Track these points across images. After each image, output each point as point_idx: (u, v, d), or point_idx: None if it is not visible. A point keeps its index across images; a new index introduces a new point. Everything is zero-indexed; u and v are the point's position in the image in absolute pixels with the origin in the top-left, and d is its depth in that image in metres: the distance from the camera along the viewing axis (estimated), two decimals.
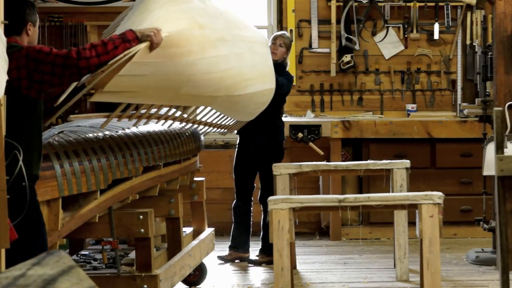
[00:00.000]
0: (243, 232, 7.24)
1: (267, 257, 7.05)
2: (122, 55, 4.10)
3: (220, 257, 7.17)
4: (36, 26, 4.33)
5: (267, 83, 5.16)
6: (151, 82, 4.42)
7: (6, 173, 3.87)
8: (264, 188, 7.13)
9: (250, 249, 7.28)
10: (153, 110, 4.83)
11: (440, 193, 5.03)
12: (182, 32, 4.37)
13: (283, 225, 4.92)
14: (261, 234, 7.24)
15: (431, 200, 4.96)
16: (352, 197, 4.99)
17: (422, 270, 4.99)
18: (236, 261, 7.18)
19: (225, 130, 5.84)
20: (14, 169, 4.00)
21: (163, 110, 4.95)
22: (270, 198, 4.94)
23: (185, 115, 5.04)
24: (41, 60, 4.04)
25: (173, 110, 4.90)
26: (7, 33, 4.21)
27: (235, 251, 7.20)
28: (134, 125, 4.99)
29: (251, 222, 7.34)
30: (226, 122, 5.55)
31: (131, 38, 4.14)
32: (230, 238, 7.27)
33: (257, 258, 7.16)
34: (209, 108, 5.14)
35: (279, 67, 6.82)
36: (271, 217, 4.90)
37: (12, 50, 4.08)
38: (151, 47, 4.20)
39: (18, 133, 4.04)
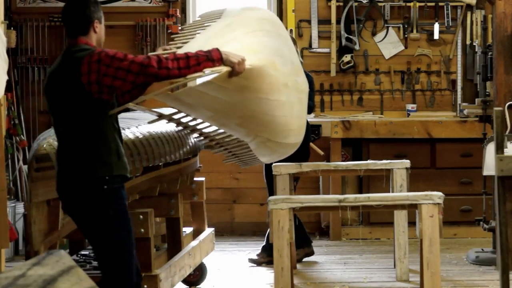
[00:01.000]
0: None
1: (308, 248, 7.15)
2: (202, 73, 4.06)
3: (251, 260, 7.17)
4: (102, 22, 4.28)
5: (299, 137, 5.14)
6: (212, 102, 4.41)
7: (81, 178, 3.94)
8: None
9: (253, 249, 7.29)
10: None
11: (440, 193, 5.03)
12: (261, 69, 4.36)
13: (283, 225, 4.92)
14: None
15: (431, 200, 4.96)
16: (352, 197, 4.99)
17: (422, 270, 4.99)
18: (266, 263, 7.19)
19: (239, 161, 5.78)
20: (90, 174, 4.04)
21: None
22: (270, 198, 4.94)
23: (216, 136, 5.02)
24: (115, 66, 3.99)
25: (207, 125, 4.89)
26: (73, 34, 4.20)
27: (268, 254, 7.21)
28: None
29: None
30: (245, 156, 5.49)
31: (216, 59, 4.07)
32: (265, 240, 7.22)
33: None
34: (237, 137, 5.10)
35: None
36: (271, 217, 4.90)
37: (83, 55, 4.05)
38: (231, 74, 4.15)
39: (93, 136, 4.05)
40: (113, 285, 4.15)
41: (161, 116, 4.47)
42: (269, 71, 4.42)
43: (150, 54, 4.13)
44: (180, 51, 4.15)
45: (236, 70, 4.13)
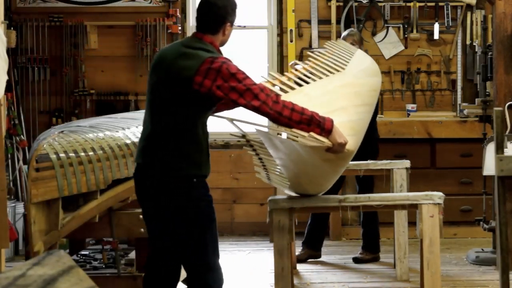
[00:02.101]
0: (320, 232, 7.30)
1: (371, 254, 7.19)
2: (307, 136, 4.07)
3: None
4: (232, 27, 4.27)
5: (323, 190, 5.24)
6: (293, 154, 4.43)
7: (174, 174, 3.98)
8: (362, 186, 7.12)
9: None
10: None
11: (440, 193, 5.02)
12: (352, 153, 4.43)
13: (283, 225, 4.92)
14: (362, 231, 7.30)
15: (431, 200, 4.95)
16: (352, 197, 4.98)
17: (422, 270, 4.98)
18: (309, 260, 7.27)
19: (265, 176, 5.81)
20: (180, 171, 4.05)
21: None
22: (270, 198, 4.94)
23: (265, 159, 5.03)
24: (231, 85, 3.97)
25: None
26: (202, 29, 4.17)
27: (308, 249, 7.25)
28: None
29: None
30: (272, 175, 5.50)
31: (326, 129, 4.07)
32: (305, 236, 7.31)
33: (361, 255, 7.24)
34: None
35: None
36: (272, 217, 4.90)
37: (205, 55, 4.01)
38: (328, 149, 4.16)
39: (186, 133, 4.05)
40: (204, 273, 4.16)
41: (244, 137, 4.51)
42: (354, 153, 4.51)
43: (268, 87, 4.09)
44: (299, 102, 4.11)
45: (334, 150, 4.16)
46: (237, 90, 3.95)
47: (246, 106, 3.99)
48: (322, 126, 4.06)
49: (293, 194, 5.00)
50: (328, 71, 4.86)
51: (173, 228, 4.12)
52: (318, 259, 7.28)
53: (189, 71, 3.99)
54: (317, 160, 4.42)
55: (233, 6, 4.24)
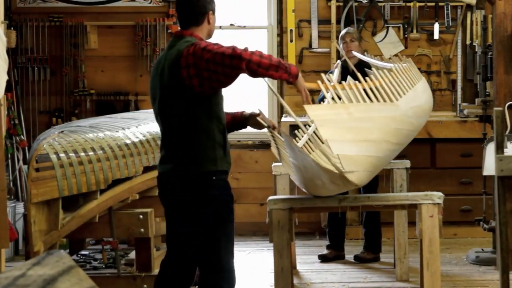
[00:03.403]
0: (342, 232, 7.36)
1: (372, 254, 7.21)
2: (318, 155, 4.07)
3: (321, 256, 7.27)
4: (215, 13, 4.27)
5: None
6: (302, 159, 4.43)
7: (188, 171, 3.98)
8: (366, 186, 7.17)
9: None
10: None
11: (440, 193, 5.02)
12: (357, 184, 4.41)
13: (283, 225, 4.91)
14: (363, 231, 7.34)
15: (431, 200, 4.95)
16: (352, 197, 4.98)
17: (422, 270, 4.98)
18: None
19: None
20: (195, 168, 4.05)
21: None
22: (270, 198, 4.94)
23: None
24: (207, 59, 3.97)
25: None
26: (185, 25, 4.19)
27: (334, 250, 7.30)
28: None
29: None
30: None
31: (291, 74, 4.06)
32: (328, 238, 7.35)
33: (362, 254, 7.27)
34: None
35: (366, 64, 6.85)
36: (271, 217, 4.89)
37: (182, 47, 4.03)
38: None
39: (199, 131, 4.05)
40: (216, 273, 4.16)
41: (269, 127, 4.49)
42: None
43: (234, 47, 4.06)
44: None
45: (299, 90, 4.18)
46: (209, 51, 3.96)
47: (219, 55, 3.95)
48: (288, 71, 4.05)
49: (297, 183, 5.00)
50: (382, 96, 4.86)
51: (191, 227, 4.15)
52: (312, 256, 7.30)
53: (175, 70, 4.03)
54: (325, 178, 4.42)
55: None
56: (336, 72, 6.99)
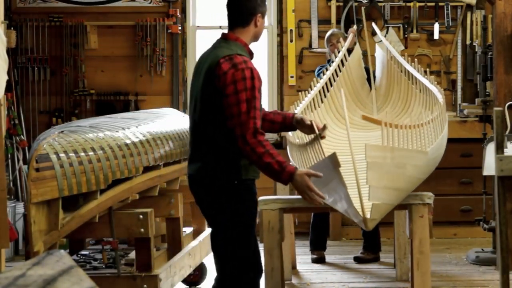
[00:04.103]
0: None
1: (372, 254, 7.23)
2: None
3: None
4: (265, 17, 4.22)
5: None
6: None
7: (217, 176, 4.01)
8: None
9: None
10: None
11: (430, 193, 5.01)
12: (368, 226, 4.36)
13: (273, 226, 4.91)
14: (362, 231, 7.36)
15: (421, 200, 4.95)
16: None
17: (413, 270, 4.98)
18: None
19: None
20: (226, 174, 4.05)
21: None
22: (261, 198, 4.92)
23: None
24: (229, 102, 3.97)
25: None
26: (232, 24, 4.15)
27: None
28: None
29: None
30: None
31: (280, 179, 4.01)
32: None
33: (362, 255, 7.27)
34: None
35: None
36: (261, 217, 4.90)
37: (220, 56, 4.01)
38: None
39: (225, 137, 4.03)
40: (230, 274, 4.16)
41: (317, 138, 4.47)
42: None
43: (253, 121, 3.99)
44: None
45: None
46: (233, 105, 3.95)
47: (236, 109, 3.95)
48: (280, 178, 4.00)
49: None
50: (419, 142, 4.85)
51: (216, 228, 4.18)
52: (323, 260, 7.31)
53: (211, 76, 4.02)
54: (346, 208, 4.36)
55: None
56: (349, 38, 7.09)
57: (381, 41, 7.31)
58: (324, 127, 4.39)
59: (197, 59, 9.24)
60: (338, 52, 6.97)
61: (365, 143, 4.44)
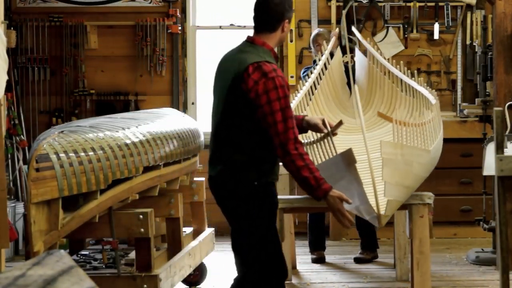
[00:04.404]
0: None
1: (371, 253, 7.26)
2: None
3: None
4: (290, 23, 4.23)
5: None
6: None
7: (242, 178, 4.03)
8: None
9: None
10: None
11: (430, 193, 5.01)
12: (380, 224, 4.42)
13: None
14: (358, 232, 7.38)
15: (421, 200, 4.95)
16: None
17: (413, 270, 4.98)
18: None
19: None
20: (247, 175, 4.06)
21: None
22: None
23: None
24: (264, 112, 3.96)
25: None
26: (259, 28, 4.14)
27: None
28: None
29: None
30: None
31: (314, 195, 4.04)
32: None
33: (361, 255, 7.28)
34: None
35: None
36: None
37: (250, 62, 3.99)
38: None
39: (249, 140, 4.04)
40: (252, 278, 4.19)
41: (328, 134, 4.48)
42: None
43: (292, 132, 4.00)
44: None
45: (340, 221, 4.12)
46: (270, 111, 3.95)
47: (272, 119, 3.96)
48: (315, 195, 4.03)
49: None
50: (422, 140, 4.87)
51: (238, 229, 4.22)
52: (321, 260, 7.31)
53: (238, 81, 4.00)
54: (360, 204, 4.41)
55: (290, 3, 4.24)
56: (332, 42, 7.08)
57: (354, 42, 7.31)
58: (340, 123, 4.42)
59: (197, 59, 9.23)
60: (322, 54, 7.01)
61: (380, 140, 4.45)
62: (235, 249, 4.26)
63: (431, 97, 5.79)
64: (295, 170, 3.98)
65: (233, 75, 4.03)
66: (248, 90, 3.97)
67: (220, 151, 4.14)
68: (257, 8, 4.18)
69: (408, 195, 4.66)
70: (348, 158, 4.01)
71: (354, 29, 7.66)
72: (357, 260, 7.22)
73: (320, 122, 4.44)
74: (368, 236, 7.24)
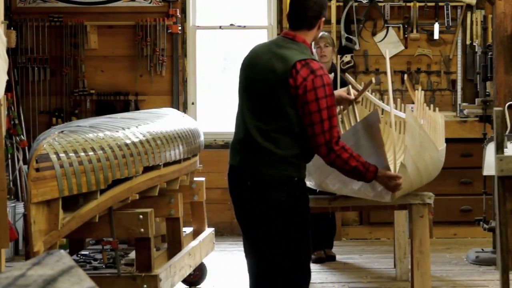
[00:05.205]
0: None
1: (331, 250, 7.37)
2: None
3: (316, 259, 7.29)
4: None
5: None
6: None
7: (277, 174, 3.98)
8: None
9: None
10: None
11: (430, 193, 5.01)
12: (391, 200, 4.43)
13: None
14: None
15: (421, 200, 4.95)
16: (341, 198, 4.97)
17: (413, 270, 4.98)
18: None
19: None
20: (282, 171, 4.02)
21: None
22: None
23: None
24: (317, 107, 3.95)
25: None
26: (297, 25, 4.10)
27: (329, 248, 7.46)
28: None
29: None
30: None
31: (365, 178, 4.07)
32: None
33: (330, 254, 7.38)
34: None
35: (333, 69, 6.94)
36: None
37: (296, 60, 3.97)
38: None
39: (290, 135, 4.00)
40: (283, 274, 4.10)
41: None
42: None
43: (335, 131, 4.01)
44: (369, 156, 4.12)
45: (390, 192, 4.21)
46: (316, 112, 3.94)
47: (318, 117, 3.94)
48: (363, 176, 4.06)
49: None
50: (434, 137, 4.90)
51: (267, 229, 4.10)
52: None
53: (285, 75, 3.95)
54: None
55: (326, 1, 4.22)
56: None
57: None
58: (370, 82, 4.56)
59: (197, 59, 9.23)
60: (323, 56, 7.00)
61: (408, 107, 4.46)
62: (255, 252, 4.15)
63: (439, 119, 5.76)
64: (343, 163, 3.98)
65: (280, 70, 3.98)
66: (296, 86, 3.93)
67: (252, 143, 4.05)
68: (296, 5, 4.14)
69: (416, 183, 4.66)
70: (375, 117, 4.06)
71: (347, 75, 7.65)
72: (328, 259, 7.26)
73: (344, 92, 4.64)
74: (330, 235, 7.35)
